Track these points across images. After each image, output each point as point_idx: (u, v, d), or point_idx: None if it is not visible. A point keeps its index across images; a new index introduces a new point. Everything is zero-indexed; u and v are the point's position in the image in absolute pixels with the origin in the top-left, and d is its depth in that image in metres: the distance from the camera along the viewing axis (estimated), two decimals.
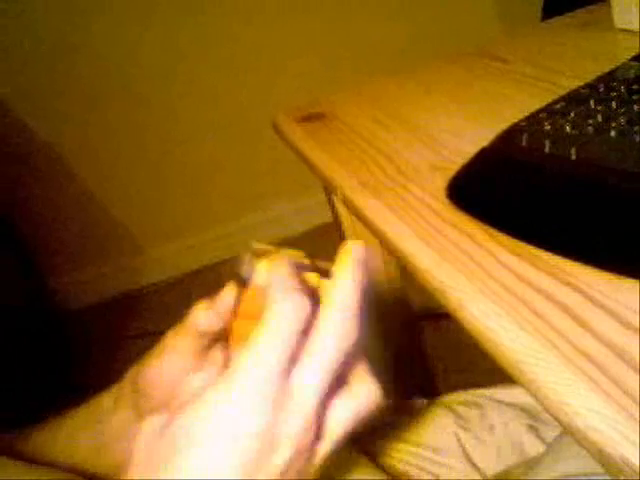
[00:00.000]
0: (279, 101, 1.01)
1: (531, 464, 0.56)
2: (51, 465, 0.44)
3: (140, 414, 0.42)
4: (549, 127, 0.47)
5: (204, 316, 0.40)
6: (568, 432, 0.29)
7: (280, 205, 1.96)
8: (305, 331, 0.32)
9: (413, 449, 0.60)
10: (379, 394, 0.34)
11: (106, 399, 0.45)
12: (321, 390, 0.32)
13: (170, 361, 0.41)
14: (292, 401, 0.31)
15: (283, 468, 0.31)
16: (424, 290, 0.41)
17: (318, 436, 0.32)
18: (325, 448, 0.33)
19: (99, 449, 0.45)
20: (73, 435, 0.45)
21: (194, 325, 0.40)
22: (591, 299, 0.33)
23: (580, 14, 0.77)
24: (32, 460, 0.43)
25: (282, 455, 0.31)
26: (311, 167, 0.60)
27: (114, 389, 0.45)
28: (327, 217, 0.73)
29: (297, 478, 0.32)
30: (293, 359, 0.32)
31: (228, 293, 0.39)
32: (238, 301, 0.39)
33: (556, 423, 0.30)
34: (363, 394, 0.34)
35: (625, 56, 0.56)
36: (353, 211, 0.52)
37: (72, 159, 1.76)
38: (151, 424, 0.32)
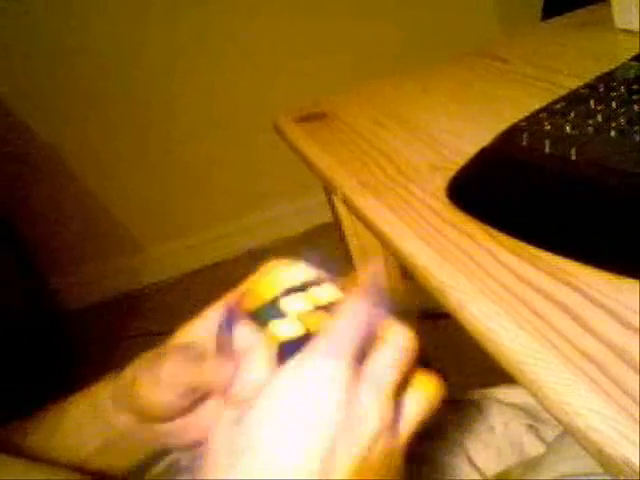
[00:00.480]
0: (279, 101, 1.01)
1: (531, 464, 0.56)
2: (51, 461, 0.44)
3: (142, 421, 0.43)
4: (549, 127, 0.47)
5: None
6: (568, 432, 0.29)
7: (280, 205, 1.96)
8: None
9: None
10: (441, 394, 0.35)
11: (103, 395, 0.45)
12: (395, 375, 0.33)
13: (167, 390, 0.41)
14: (368, 382, 0.32)
15: (369, 444, 0.31)
16: (424, 290, 0.41)
17: (397, 420, 0.33)
18: (403, 435, 0.33)
19: (108, 447, 0.45)
20: (77, 430, 0.45)
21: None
22: (591, 299, 0.33)
23: (580, 14, 0.77)
24: (29, 454, 0.43)
25: (367, 429, 0.31)
26: (311, 167, 0.60)
27: (109, 386, 0.45)
28: (327, 217, 0.73)
29: (384, 462, 0.32)
30: (364, 351, 0.33)
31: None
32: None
33: (556, 423, 0.30)
34: (428, 394, 0.35)
35: (625, 56, 0.56)
36: (353, 211, 0.52)
37: (72, 159, 1.76)
38: (225, 419, 0.33)
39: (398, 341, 0.34)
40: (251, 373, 0.35)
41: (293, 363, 0.33)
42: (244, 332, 0.37)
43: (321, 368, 0.32)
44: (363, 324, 0.33)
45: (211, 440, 0.33)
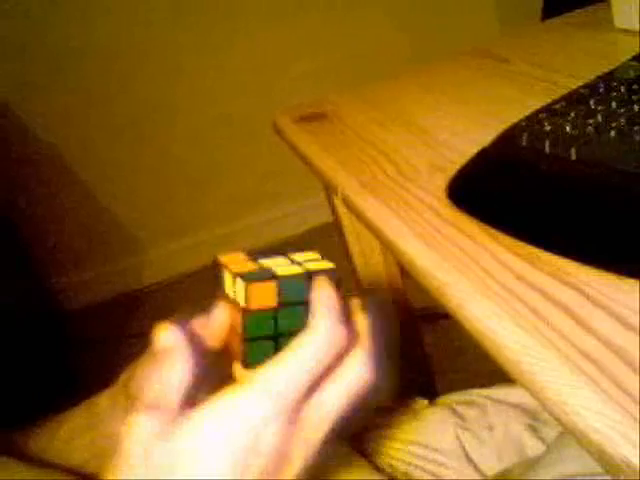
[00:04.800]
0: (280, 101, 1.01)
1: (531, 464, 0.56)
2: (50, 466, 0.44)
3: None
4: (549, 127, 0.47)
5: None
6: (568, 432, 0.29)
7: (280, 205, 1.96)
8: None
9: (413, 449, 0.60)
10: (370, 376, 0.34)
11: (102, 401, 0.45)
12: (336, 417, 0.33)
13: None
14: (305, 423, 0.32)
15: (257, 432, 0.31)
16: (424, 290, 0.41)
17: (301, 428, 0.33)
18: (317, 436, 0.33)
19: (97, 452, 0.45)
20: (71, 437, 0.45)
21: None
22: (591, 299, 0.33)
23: (580, 14, 0.77)
24: (31, 459, 0.43)
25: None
26: (311, 167, 0.60)
27: (108, 391, 0.45)
28: (327, 217, 0.73)
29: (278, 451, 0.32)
30: (315, 384, 0.33)
31: (219, 312, 0.38)
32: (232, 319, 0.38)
33: (556, 423, 0.30)
34: (353, 376, 0.34)
35: (625, 56, 0.56)
36: (353, 211, 0.52)
37: (73, 159, 1.76)
38: (144, 426, 0.32)
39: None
40: (171, 377, 0.34)
41: (221, 400, 0.32)
42: (165, 333, 0.36)
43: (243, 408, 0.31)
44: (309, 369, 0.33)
45: (127, 446, 0.31)
